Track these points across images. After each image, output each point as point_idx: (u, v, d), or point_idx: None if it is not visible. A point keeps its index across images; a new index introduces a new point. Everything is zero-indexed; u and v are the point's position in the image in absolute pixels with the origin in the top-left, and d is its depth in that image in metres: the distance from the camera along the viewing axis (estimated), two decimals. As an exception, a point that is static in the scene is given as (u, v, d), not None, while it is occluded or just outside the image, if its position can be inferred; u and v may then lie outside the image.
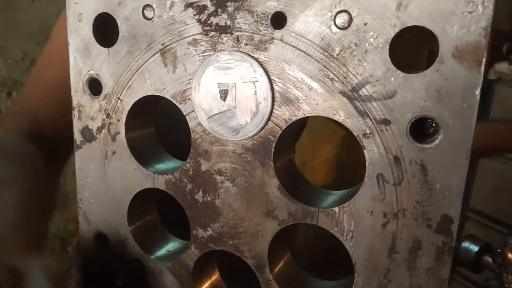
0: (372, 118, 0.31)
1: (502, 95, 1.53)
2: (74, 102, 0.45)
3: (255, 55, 0.35)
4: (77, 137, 0.47)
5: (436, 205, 0.30)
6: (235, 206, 0.39)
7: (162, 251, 0.47)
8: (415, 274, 0.32)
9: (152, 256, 0.45)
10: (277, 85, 0.34)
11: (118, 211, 0.46)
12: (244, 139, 0.37)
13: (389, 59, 0.30)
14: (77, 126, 0.47)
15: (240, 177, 0.38)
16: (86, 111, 0.45)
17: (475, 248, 0.71)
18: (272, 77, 0.34)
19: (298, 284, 0.41)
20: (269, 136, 0.36)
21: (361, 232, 0.34)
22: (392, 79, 0.30)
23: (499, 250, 0.67)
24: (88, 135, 0.46)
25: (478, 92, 0.28)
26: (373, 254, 0.34)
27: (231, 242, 0.40)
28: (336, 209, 0.34)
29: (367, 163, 0.32)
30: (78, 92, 0.45)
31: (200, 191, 0.41)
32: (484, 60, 0.27)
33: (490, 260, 0.67)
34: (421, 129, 0.30)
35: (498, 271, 0.66)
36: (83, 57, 0.44)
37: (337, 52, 0.32)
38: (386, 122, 0.31)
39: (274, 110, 0.35)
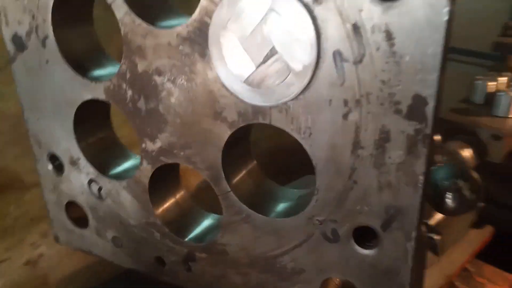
0: (322, -25, 0.24)
1: None
2: (-2, 4, 0.39)
3: None
4: (10, 47, 0.41)
5: (406, 83, 0.24)
6: (180, 111, 0.33)
7: (117, 170, 0.42)
8: (384, 172, 0.27)
9: (106, 176, 0.41)
10: None
11: (66, 128, 0.41)
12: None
13: None
14: (6, 34, 0.41)
15: (181, 75, 0.32)
16: (12, 14, 0.39)
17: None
18: None
19: (261, 194, 0.36)
20: (205, 18, 0.29)
21: (320, 127, 0.28)
22: None
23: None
24: (19, 43, 0.40)
25: None
26: (335, 153, 0.28)
27: (182, 153, 0.35)
28: (290, 103, 0.28)
29: (321, 38, 0.25)
30: (-3, -9, 0.38)
31: (142, 97, 0.35)
32: None
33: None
34: (385, -19, 0.23)
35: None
36: None
37: None
38: (340, -22, 0.24)
39: (207, -18, 0.28)
